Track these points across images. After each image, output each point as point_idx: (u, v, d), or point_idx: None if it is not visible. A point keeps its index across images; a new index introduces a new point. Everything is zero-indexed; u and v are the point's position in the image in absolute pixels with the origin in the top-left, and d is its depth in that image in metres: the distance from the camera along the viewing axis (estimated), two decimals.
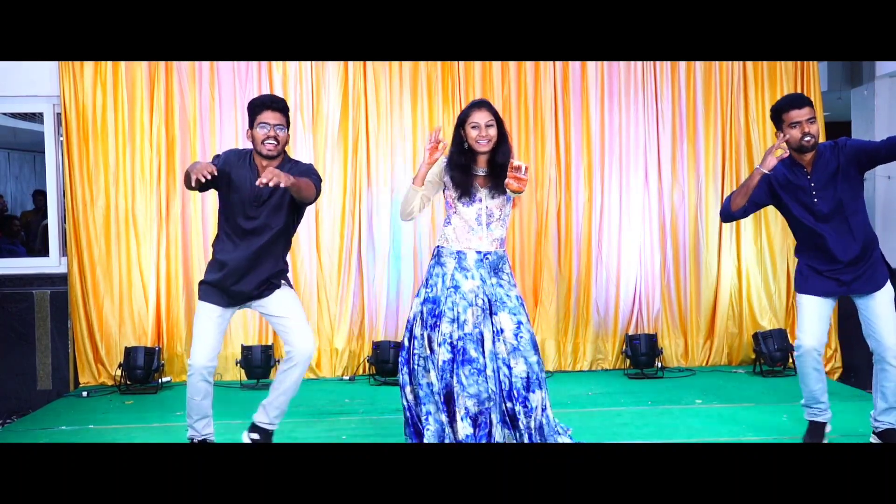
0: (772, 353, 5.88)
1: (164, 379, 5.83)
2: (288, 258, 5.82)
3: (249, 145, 3.90)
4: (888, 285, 3.92)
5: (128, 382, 5.68)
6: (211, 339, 3.83)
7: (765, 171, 3.79)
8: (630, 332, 6.19)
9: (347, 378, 5.99)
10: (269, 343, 5.89)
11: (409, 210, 3.86)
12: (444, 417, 3.77)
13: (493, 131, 3.79)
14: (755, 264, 6.27)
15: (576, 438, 4.04)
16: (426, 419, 3.80)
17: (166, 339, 5.94)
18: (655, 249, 6.24)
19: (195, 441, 3.94)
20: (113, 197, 5.88)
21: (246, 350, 5.77)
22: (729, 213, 4.00)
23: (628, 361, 6.04)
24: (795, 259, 4.10)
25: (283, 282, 3.95)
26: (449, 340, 3.75)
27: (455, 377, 3.73)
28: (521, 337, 3.79)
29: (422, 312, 3.86)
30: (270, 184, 3.40)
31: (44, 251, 6.38)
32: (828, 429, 4.09)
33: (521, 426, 3.78)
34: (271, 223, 3.82)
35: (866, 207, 3.97)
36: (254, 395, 5.54)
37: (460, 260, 3.84)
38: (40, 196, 8.92)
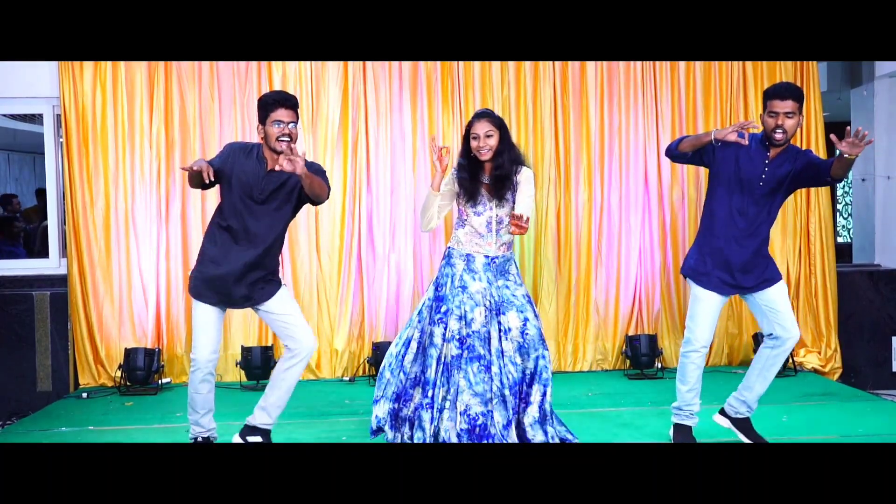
0: None
1: (164, 380, 5.83)
2: (287, 258, 5.90)
3: (255, 139, 3.90)
4: (782, 281, 3.95)
5: (128, 384, 5.68)
6: (212, 332, 3.85)
7: (715, 139, 3.71)
8: (630, 333, 6.18)
9: (347, 379, 5.98)
10: (269, 344, 5.88)
11: (428, 217, 3.99)
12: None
13: (492, 141, 3.91)
14: None
15: (577, 439, 4.05)
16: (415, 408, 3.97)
17: (166, 341, 5.93)
18: (655, 249, 6.24)
19: (199, 439, 3.94)
20: (113, 198, 5.87)
21: (246, 351, 5.77)
22: (673, 154, 3.97)
23: (628, 362, 6.04)
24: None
25: (278, 279, 3.96)
26: (457, 336, 3.90)
27: (462, 373, 3.86)
28: (527, 333, 3.94)
29: (430, 307, 4.01)
30: (287, 167, 3.45)
31: (44, 253, 6.38)
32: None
33: (525, 422, 3.92)
34: (274, 224, 3.80)
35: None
36: (254, 395, 5.52)
37: (469, 262, 3.99)
38: (43, 195, 8.91)
